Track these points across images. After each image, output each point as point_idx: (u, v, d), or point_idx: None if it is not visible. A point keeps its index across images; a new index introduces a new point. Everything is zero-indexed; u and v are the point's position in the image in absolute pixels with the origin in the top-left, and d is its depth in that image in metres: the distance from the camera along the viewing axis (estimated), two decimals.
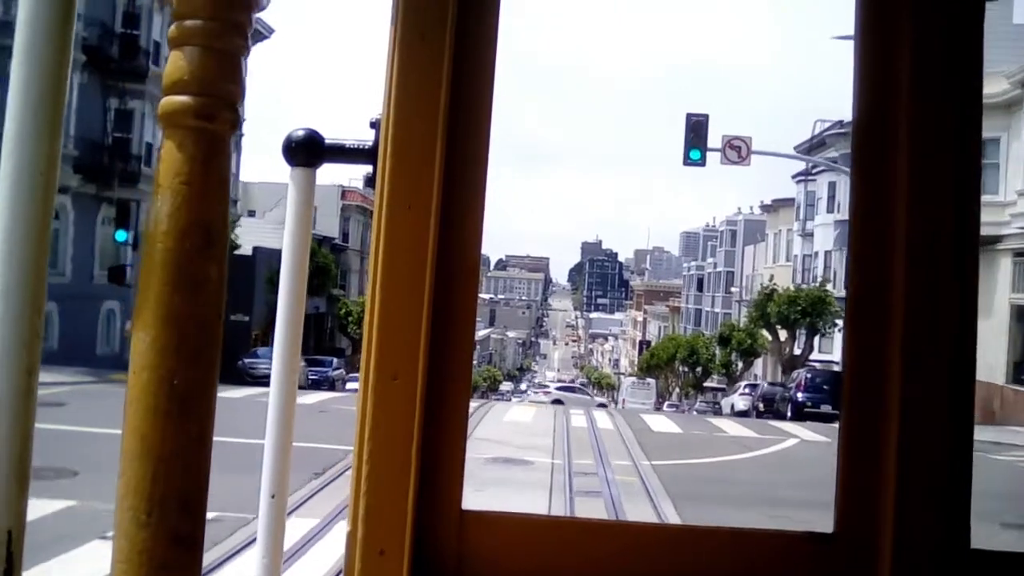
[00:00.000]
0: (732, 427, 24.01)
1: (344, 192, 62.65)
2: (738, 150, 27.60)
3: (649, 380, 64.36)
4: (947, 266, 1.32)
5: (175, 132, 1.03)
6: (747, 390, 39.13)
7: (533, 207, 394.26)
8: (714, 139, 26.99)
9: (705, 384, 68.49)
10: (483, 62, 1.39)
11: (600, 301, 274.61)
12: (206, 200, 1.03)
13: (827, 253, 44.88)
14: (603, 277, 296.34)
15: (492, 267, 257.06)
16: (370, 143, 1.52)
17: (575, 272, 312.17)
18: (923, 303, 1.32)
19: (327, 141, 1.57)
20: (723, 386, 64.96)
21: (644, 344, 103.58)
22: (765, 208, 60.42)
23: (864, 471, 1.36)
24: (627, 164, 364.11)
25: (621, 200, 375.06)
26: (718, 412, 46.42)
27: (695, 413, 47.23)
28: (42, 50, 0.95)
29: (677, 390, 71.88)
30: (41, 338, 0.96)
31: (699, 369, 66.66)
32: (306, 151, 1.59)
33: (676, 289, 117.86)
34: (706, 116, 27.45)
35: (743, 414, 36.13)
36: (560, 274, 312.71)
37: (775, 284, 42.28)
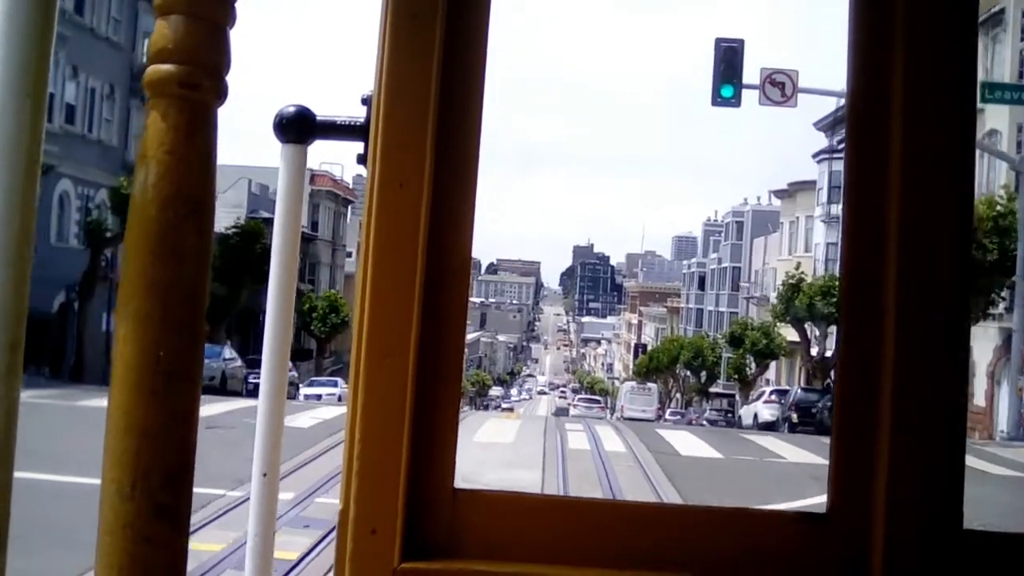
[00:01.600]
0: (784, 448, 19.16)
1: (313, 176, 55.43)
2: (781, 87, 20.54)
3: (650, 385, 61.20)
4: (943, 244, 1.36)
5: (159, 101, 1.04)
6: (773, 397, 32.70)
7: (524, 210, 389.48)
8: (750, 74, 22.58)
9: (711, 390, 61.32)
10: (475, 41, 1.42)
11: (592, 305, 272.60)
12: (190, 170, 1.04)
13: None
14: (595, 281, 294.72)
15: (483, 271, 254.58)
16: (362, 120, 1.57)
17: (566, 276, 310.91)
18: (918, 282, 1.35)
19: (318, 118, 1.63)
20: (731, 391, 61.14)
21: (640, 347, 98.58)
22: (779, 194, 53.78)
23: (857, 451, 1.38)
24: (620, 167, 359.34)
25: (613, 203, 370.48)
26: (735, 423, 38.73)
27: (706, 423, 39.70)
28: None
29: (679, 396, 67.33)
30: (25, 313, 0.97)
31: (704, 373, 62.23)
32: (297, 128, 1.64)
33: (673, 290, 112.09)
34: (740, 42, 20.18)
35: (770, 426, 31.76)
36: (551, 278, 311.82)
37: (802, 273, 35.09)
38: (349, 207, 63.00)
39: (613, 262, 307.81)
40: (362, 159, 1.51)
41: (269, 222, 42.30)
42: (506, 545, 1.38)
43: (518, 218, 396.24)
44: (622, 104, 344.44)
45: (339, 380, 45.35)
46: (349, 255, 63.41)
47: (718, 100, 20.91)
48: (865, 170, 1.40)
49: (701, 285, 79.25)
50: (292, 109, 1.64)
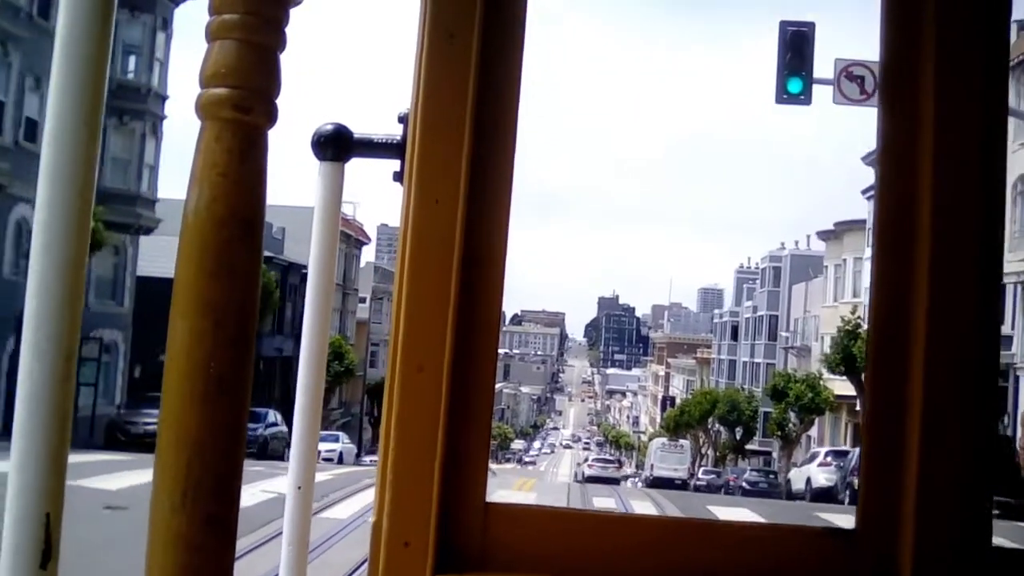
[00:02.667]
0: None
1: None
2: (860, 81, 16.58)
3: (682, 442, 57.40)
4: (972, 273, 1.40)
5: (212, 124, 1.09)
6: (829, 459, 29.25)
7: (548, 261, 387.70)
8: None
9: (747, 447, 58.67)
10: (511, 59, 1.48)
11: (617, 357, 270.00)
12: (242, 191, 1.09)
13: None
14: (620, 332, 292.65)
15: (507, 322, 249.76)
16: (398, 138, 1.62)
17: (591, 328, 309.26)
18: (947, 301, 1.39)
19: (356, 136, 1.68)
20: (767, 449, 57.72)
21: (668, 400, 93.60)
22: (823, 235, 49.31)
23: (886, 468, 1.41)
24: (645, 217, 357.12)
25: (638, 254, 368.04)
26: (782, 487, 33.64)
27: (745, 486, 34.76)
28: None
29: (712, 453, 62.92)
30: (79, 323, 1.03)
31: (740, 429, 58.62)
32: (334, 145, 1.68)
33: (703, 341, 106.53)
34: (810, 25, 18.82)
35: (826, 493, 28.17)
36: (576, 329, 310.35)
37: (858, 318, 30.60)
38: (362, 248, 58.47)
39: (639, 313, 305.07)
40: (398, 176, 1.58)
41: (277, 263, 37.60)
42: (537, 559, 1.42)
43: (542, 268, 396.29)
44: (645, 152, 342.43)
45: (341, 435, 40.33)
46: (362, 300, 58.63)
47: (784, 96, 17.03)
48: (894, 210, 1.45)
49: (734, 335, 74.72)
50: (330, 127, 1.70)
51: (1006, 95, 1.42)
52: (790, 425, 44.87)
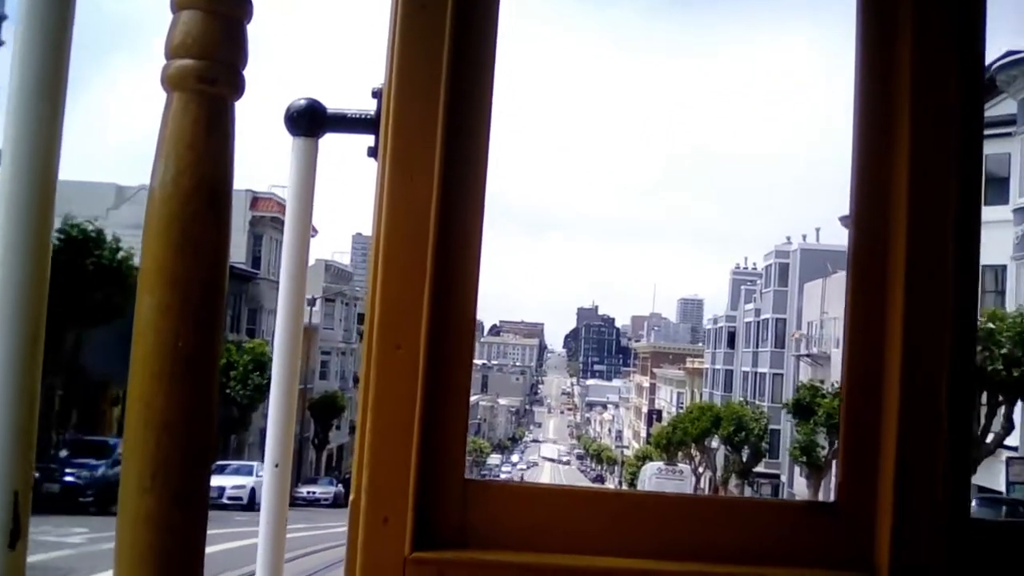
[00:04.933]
0: None
1: (255, 199, 41.28)
2: None
3: (681, 467, 50.17)
4: (949, 227, 1.43)
5: (178, 95, 1.10)
6: None
7: (527, 271, 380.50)
8: None
9: (755, 469, 51.27)
10: (485, 32, 1.49)
11: (597, 367, 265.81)
12: (209, 163, 1.10)
13: (999, 268, 28.63)
14: (600, 343, 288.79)
15: (485, 333, 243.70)
16: (372, 113, 1.61)
17: (570, 338, 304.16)
18: (924, 266, 1.42)
19: (329, 110, 1.67)
20: (775, 471, 51.16)
21: (654, 414, 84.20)
22: (847, 221, 39.26)
23: (865, 441, 1.45)
24: (624, 229, 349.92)
25: (617, 265, 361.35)
26: None
27: None
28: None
29: (710, 474, 55.28)
30: (45, 305, 1.04)
31: (746, 450, 50.05)
32: (308, 120, 1.66)
33: (691, 350, 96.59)
34: None
35: None
36: (555, 340, 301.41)
37: None
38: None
39: (618, 324, 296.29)
40: (373, 152, 1.57)
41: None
42: (516, 535, 1.43)
43: (521, 279, 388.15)
44: (625, 164, 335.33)
45: (256, 465, 30.08)
46: (311, 303, 48.71)
47: None
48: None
49: (731, 342, 65.92)
50: (303, 102, 1.67)
51: (981, 107, 1.48)
52: (818, 449, 35.80)
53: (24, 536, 0.96)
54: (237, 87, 1.10)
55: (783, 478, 49.98)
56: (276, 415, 1.64)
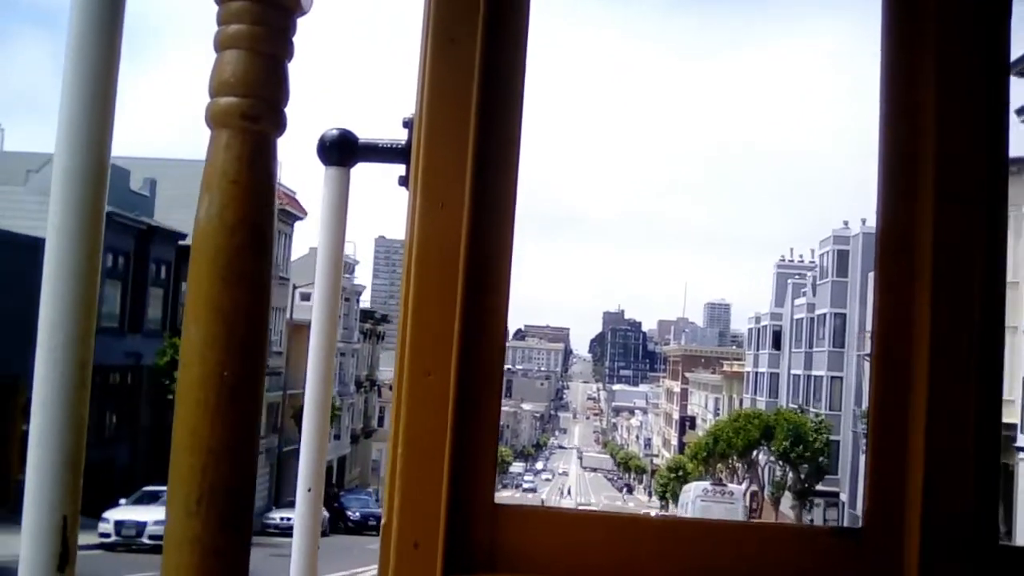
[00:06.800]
0: None
1: None
2: None
3: (732, 488, 42.02)
4: (979, 229, 1.43)
5: (222, 132, 1.15)
6: None
7: (552, 276, 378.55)
8: None
9: (818, 487, 44.09)
10: (513, 63, 1.53)
11: (623, 372, 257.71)
12: (253, 198, 1.14)
13: None
14: (626, 348, 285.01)
15: (510, 337, 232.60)
16: (403, 142, 1.65)
17: (596, 343, 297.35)
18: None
19: (361, 140, 1.70)
20: (834, 489, 43.70)
21: (687, 421, 77.06)
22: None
23: (892, 466, 1.46)
24: (651, 232, 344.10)
25: (644, 270, 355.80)
26: None
27: None
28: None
29: (759, 495, 46.34)
30: (94, 329, 1.09)
31: (806, 467, 43.42)
32: (340, 150, 1.69)
33: (728, 353, 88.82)
34: None
35: None
36: (581, 344, 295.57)
37: None
38: (294, 225, 42.04)
39: (644, 328, 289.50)
40: (404, 181, 1.62)
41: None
42: (546, 560, 1.46)
43: (547, 284, 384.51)
44: (651, 165, 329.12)
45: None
46: (306, 298, 41.56)
47: None
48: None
49: (776, 343, 58.23)
50: (335, 132, 1.70)
51: (1007, 102, 1.49)
52: None
53: (73, 560, 0.99)
54: (279, 124, 1.14)
55: (843, 496, 43.44)
56: (309, 441, 1.67)
